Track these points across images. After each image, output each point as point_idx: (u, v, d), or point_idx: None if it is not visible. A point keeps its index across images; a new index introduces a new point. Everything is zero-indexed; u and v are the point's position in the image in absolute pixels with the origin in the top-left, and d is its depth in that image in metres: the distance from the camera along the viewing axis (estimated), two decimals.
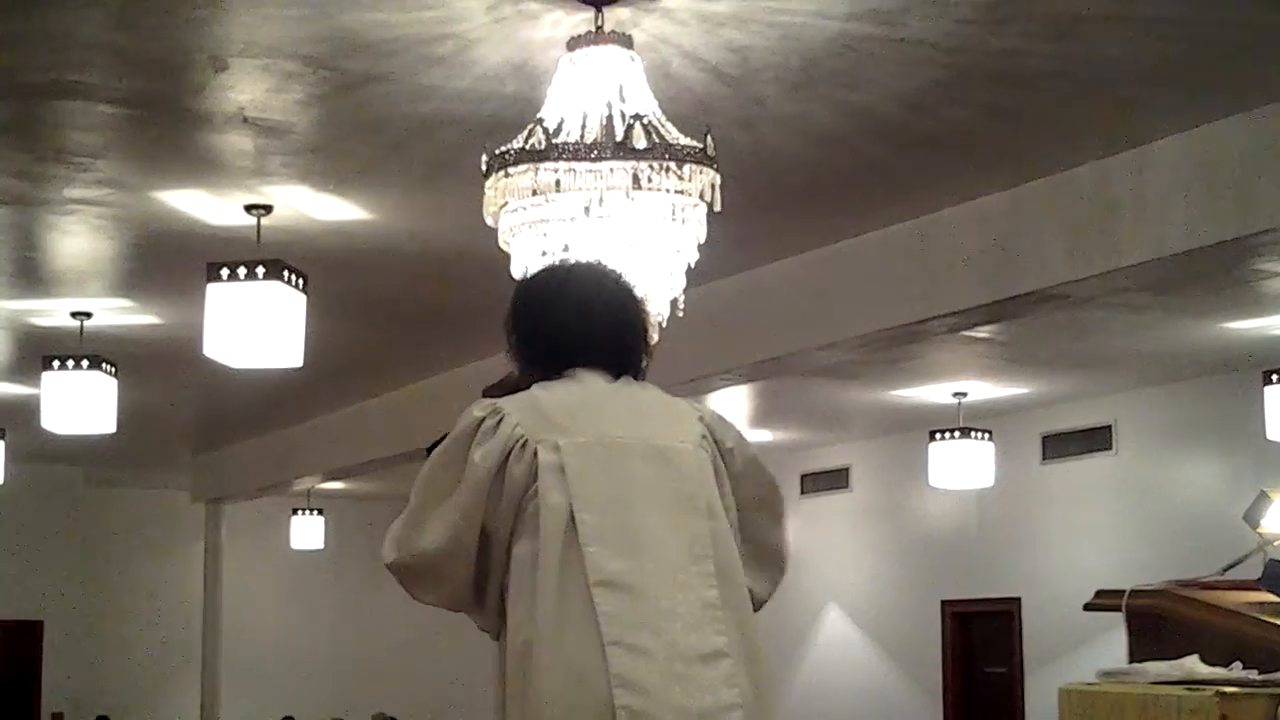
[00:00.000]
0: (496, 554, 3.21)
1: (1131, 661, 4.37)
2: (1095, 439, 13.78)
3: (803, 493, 17.20)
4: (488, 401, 3.28)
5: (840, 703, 16.16)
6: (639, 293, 3.49)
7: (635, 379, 3.39)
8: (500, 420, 3.21)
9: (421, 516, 3.24)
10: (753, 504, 3.43)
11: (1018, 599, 14.58)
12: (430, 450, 3.40)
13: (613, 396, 3.32)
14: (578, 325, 3.35)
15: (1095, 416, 13.70)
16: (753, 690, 3.16)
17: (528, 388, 3.35)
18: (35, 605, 18.16)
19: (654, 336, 3.76)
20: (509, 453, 3.18)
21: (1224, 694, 3.79)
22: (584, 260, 3.63)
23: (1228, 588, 4.49)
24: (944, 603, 15.48)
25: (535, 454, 3.17)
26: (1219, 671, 4.01)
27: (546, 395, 3.28)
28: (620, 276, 3.48)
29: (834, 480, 16.88)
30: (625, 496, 3.18)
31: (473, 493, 3.18)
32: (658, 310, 5.54)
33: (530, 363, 3.38)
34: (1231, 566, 4.61)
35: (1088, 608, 4.71)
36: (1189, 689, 3.89)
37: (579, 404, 3.27)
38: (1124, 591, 4.53)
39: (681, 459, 3.27)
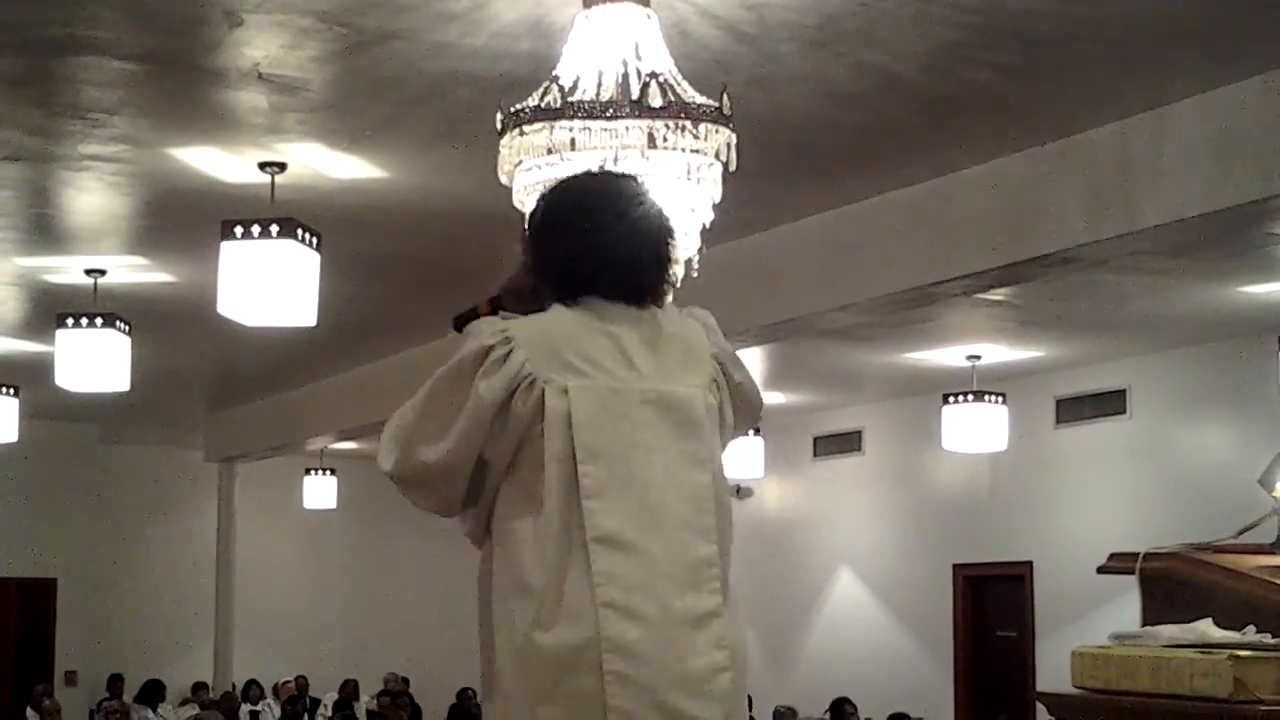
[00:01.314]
0: (492, 478, 3.17)
1: (1144, 625, 4.36)
2: (1109, 403, 13.75)
3: (815, 455, 17.20)
4: (498, 325, 3.18)
5: (851, 665, 16.18)
6: (670, 219, 3.34)
7: (657, 305, 3.26)
8: (509, 352, 3.11)
9: (421, 432, 3.15)
10: (742, 416, 3.41)
11: (1029, 563, 14.58)
12: (457, 324, 3.34)
13: (630, 332, 3.19)
14: (606, 250, 3.20)
15: (1110, 380, 13.67)
16: (740, 642, 3.17)
17: (535, 299, 3.26)
18: (49, 563, 18.22)
19: (679, 270, 3.68)
20: (515, 388, 3.09)
21: (1237, 658, 3.78)
22: (617, 175, 3.44)
23: (1242, 551, 4.47)
24: (955, 566, 15.49)
25: (542, 393, 3.09)
26: (1232, 635, 4.00)
27: (560, 327, 3.17)
28: (653, 201, 3.31)
29: (846, 443, 16.87)
30: (630, 448, 3.12)
31: (474, 423, 3.10)
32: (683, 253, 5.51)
33: (551, 279, 3.24)
34: (1246, 530, 4.60)
35: (1101, 570, 4.70)
36: (1202, 653, 3.88)
37: (593, 341, 3.16)
38: (1138, 554, 4.52)
39: (689, 407, 3.21)
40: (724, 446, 3.33)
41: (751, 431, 14.25)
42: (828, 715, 13.46)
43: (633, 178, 3.42)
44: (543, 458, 3.09)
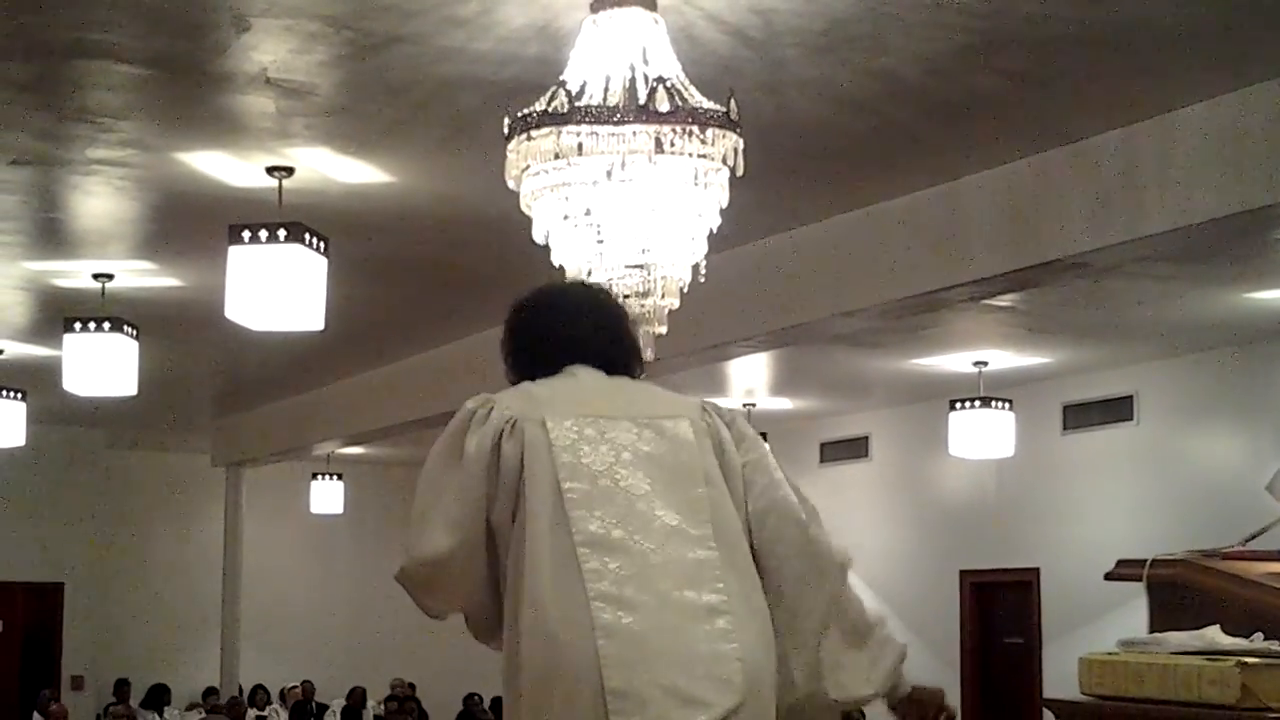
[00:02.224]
0: (502, 550, 3.25)
1: (1152, 632, 4.35)
2: (1116, 409, 13.74)
3: (822, 461, 17.18)
4: (479, 396, 3.34)
5: None
6: (626, 311, 3.62)
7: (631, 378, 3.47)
8: (491, 408, 3.28)
9: (425, 518, 3.27)
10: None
11: (1036, 569, 14.56)
12: None
13: (605, 385, 3.39)
14: (567, 330, 3.44)
15: (1117, 387, 13.66)
16: (757, 649, 3.16)
17: None
18: (56, 568, 18.22)
19: (648, 354, 3.82)
20: (500, 434, 3.24)
21: (1245, 664, 3.77)
22: (572, 282, 3.85)
23: (1250, 558, 4.47)
24: (962, 572, 15.47)
25: (524, 432, 3.24)
26: (1240, 642, 3.99)
27: (538, 385, 3.38)
28: (607, 291, 3.66)
29: (853, 449, 16.86)
30: (615, 465, 3.23)
31: (472, 479, 3.23)
32: (679, 277, 5.52)
33: (525, 369, 3.46)
34: (1254, 537, 4.59)
35: (1109, 578, 4.69)
36: (1210, 659, 3.87)
37: (569, 390, 3.35)
38: (1145, 562, 4.51)
39: (676, 430, 3.32)
40: (734, 476, 3.36)
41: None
42: None
43: (595, 284, 3.83)
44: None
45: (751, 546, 3.31)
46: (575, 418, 3.26)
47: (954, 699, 15.58)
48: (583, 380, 3.38)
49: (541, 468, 3.19)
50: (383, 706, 17.15)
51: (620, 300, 3.70)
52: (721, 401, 3.63)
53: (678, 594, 3.12)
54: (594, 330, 3.46)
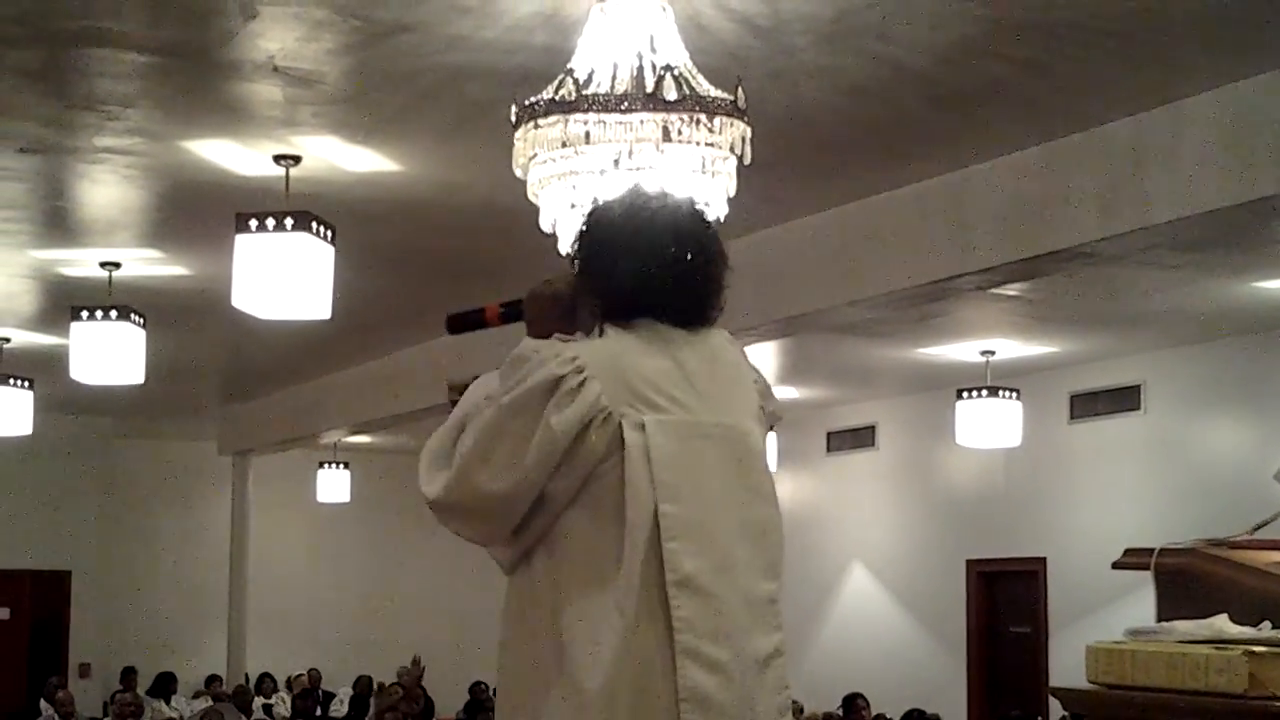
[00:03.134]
0: (547, 513, 2.99)
1: (1160, 621, 4.35)
2: (1124, 398, 13.73)
3: (828, 450, 17.19)
4: (566, 352, 3.01)
5: (863, 661, 16.18)
6: (722, 243, 3.23)
7: (709, 325, 3.17)
8: (583, 382, 2.96)
9: (482, 461, 2.98)
10: None
11: (1043, 559, 14.56)
12: (452, 324, 3.36)
13: (691, 359, 3.09)
14: (663, 272, 3.09)
15: (1124, 376, 13.65)
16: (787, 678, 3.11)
17: (568, 318, 3.16)
18: (63, 556, 18.26)
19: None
20: (590, 421, 2.95)
21: (1253, 653, 3.76)
22: (681, 201, 3.22)
23: (1258, 547, 4.45)
24: (969, 562, 15.48)
25: (618, 427, 2.96)
26: (1248, 631, 3.98)
27: (628, 355, 3.04)
28: (713, 227, 3.22)
29: (860, 438, 16.87)
30: (701, 485, 3.01)
31: (544, 456, 2.94)
32: None
33: (604, 298, 3.11)
34: (1262, 526, 4.58)
35: (1116, 566, 4.68)
36: (1217, 648, 3.86)
37: (662, 371, 3.04)
38: (1153, 550, 4.50)
39: (750, 441, 3.13)
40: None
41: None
42: (840, 711, 13.45)
43: (690, 199, 3.28)
44: (613, 493, 2.96)
45: None
46: (674, 420, 3.00)
47: (960, 688, 15.60)
48: (672, 351, 3.07)
49: (640, 479, 2.94)
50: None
51: (709, 221, 3.22)
52: None
53: (748, 645, 2.98)
54: (689, 274, 3.11)
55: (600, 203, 3.25)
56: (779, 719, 3.02)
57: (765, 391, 3.31)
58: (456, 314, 3.39)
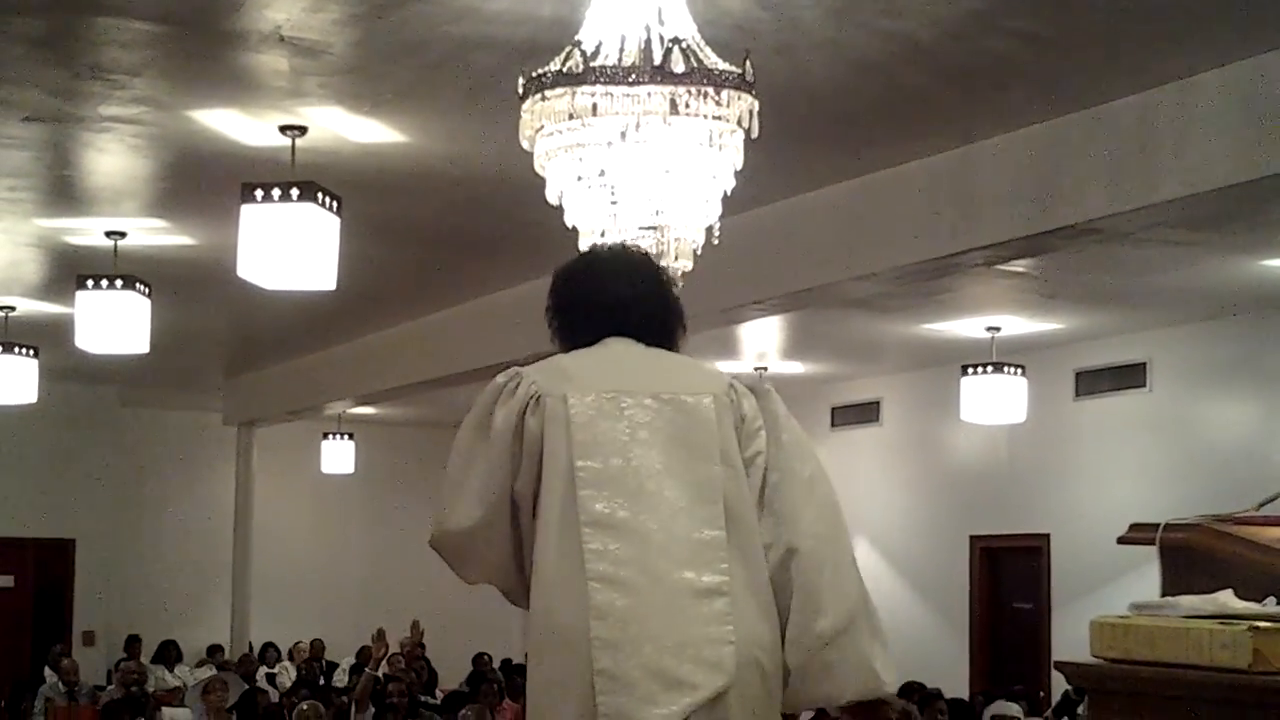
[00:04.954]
0: (526, 521, 3.35)
1: (1164, 596, 4.34)
2: (1129, 375, 13.71)
3: (833, 426, 17.18)
4: (510, 370, 3.43)
5: None
6: (668, 274, 3.65)
7: (672, 350, 3.51)
8: (519, 383, 3.37)
9: (455, 489, 3.37)
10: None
11: (1047, 535, 14.57)
12: None
13: (636, 357, 3.43)
14: (605, 298, 3.48)
15: (1130, 353, 13.63)
16: (755, 631, 3.20)
17: None
18: (67, 524, 18.28)
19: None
20: (525, 408, 3.33)
21: (1258, 629, 3.76)
22: (618, 245, 3.81)
23: (1263, 523, 4.45)
24: (973, 538, 15.48)
25: (545, 406, 3.32)
26: (1253, 606, 3.97)
27: (569, 358, 3.45)
28: (650, 257, 3.67)
29: (864, 414, 16.86)
30: (628, 442, 3.29)
31: (498, 453, 3.33)
32: (693, 239, 5.51)
33: (566, 337, 3.52)
34: (1268, 502, 4.57)
35: (1121, 541, 4.67)
36: (1222, 623, 3.86)
37: (598, 363, 3.40)
38: (1159, 525, 4.50)
39: (696, 409, 3.35)
40: (755, 463, 3.38)
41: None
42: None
43: (626, 244, 3.87)
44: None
45: (770, 528, 3.35)
46: (597, 393, 3.33)
47: (962, 663, 15.56)
48: (614, 353, 3.43)
49: (558, 443, 3.28)
50: (389, 665, 17.16)
51: (662, 265, 3.71)
52: (733, 366, 3.65)
53: (677, 575, 3.18)
54: (633, 298, 3.48)
55: (562, 266, 3.64)
56: (712, 646, 3.14)
57: (741, 385, 3.46)
58: None
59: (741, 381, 3.48)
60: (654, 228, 5.44)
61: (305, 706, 10.10)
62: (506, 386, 3.37)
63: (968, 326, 13.01)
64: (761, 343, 13.80)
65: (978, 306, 12.31)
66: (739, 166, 5.41)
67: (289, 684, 16.32)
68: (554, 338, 3.56)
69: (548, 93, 5.20)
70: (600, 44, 5.23)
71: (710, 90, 5.16)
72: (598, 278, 3.53)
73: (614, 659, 3.10)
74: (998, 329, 13.02)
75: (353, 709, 11.37)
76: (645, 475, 3.26)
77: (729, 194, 5.50)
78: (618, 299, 3.47)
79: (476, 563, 3.43)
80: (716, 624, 3.16)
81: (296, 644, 18.53)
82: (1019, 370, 13.07)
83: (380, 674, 12.29)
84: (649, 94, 5.12)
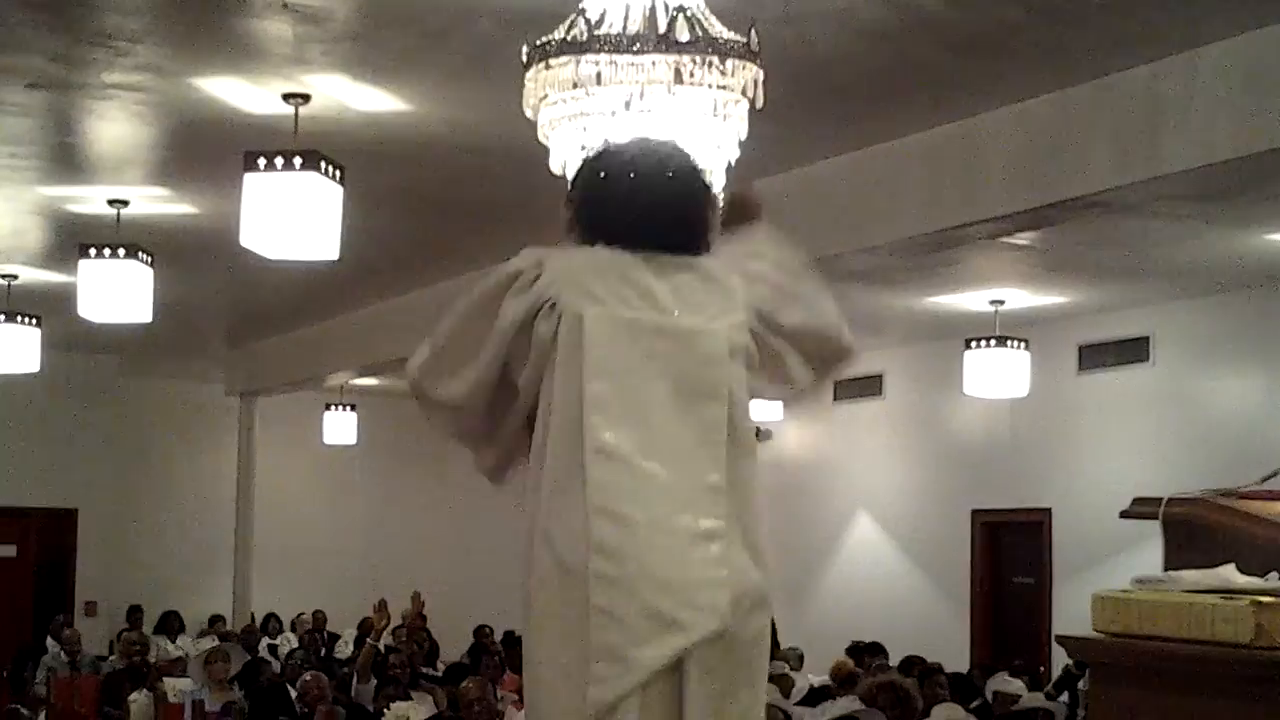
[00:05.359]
0: (518, 407, 3.32)
1: (1167, 570, 4.34)
2: (1132, 350, 13.70)
3: (835, 399, 17.14)
4: (533, 253, 3.33)
5: (867, 610, 16.20)
6: (705, 174, 3.49)
7: (700, 253, 3.39)
8: (536, 277, 3.27)
9: (447, 361, 3.33)
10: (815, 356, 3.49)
11: (1048, 510, 14.57)
12: None
13: (658, 274, 3.31)
14: (635, 200, 3.33)
15: (1133, 327, 13.61)
16: (750, 573, 3.22)
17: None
18: (70, 494, 18.28)
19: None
20: (538, 310, 3.25)
21: (1259, 603, 3.75)
22: (664, 143, 3.55)
23: (1266, 498, 4.44)
24: (974, 512, 15.48)
25: (560, 317, 3.23)
26: (1255, 581, 3.97)
27: (591, 261, 3.31)
28: (696, 166, 3.47)
29: (867, 387, 16.83)
30: (639, 373, 3.23)
31: (496, 346, 3.27)
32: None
33: (588, 231, 3.37)
34: (1271, 476, 4.56)
35: (1124, 515, 4.66)
36: (1224, 598, 3.85)
37: (620, 278, 3.29)
38: (1161, 500, 4.49)
39: (709, 342, 3.29)
40: (779, 393, 3.47)
41: None
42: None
43: (671, 143, 3.56)
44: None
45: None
46: (615, 313, 3.24)
47: (963, 637, 15.54)
48: (639, 267, 3.30)
49: (570, 361, 3.21)
50: (391, 635, 17.18)
51: (700, 169, 3.48)
52: None
53: (675, 517, 3.16)
54: (668, 206, 3.36)
55: (592, 151, 3.56)
56: (707, 589, 3.14)
57: (782, 303, 3.45)
58: None
59: (757, 297, 3.42)
60: None
61: (309, 677, 10.09)
62: (522, 277, 3.28)
63: (971, 300, 12.99)
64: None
65: (982, 279, 12.28)
66: (743, 137, 5.38)
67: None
68: (571, 227, 3.42)
69: (551, 61, 5.17)
70: (604, 12, 5.20)
71: (715, 59, 5.13)
72: (627, 175, 3.37)
73: (610, 596, 3.09)
74: (1001, 302, 13.00)
75: (354, 680, 11.37)
76: (653, 408, 3.21)
77: (733, 164, 5.47)
78: (646, 205, 3.33)
79: (450, 423, 3.41)
80: (712, 568, 3.15)
81: (299, 615, 18.54)
82: (1022, 344, 13.05)
83: (382, 645, 12.28)
84: (653, 63, 5.10)
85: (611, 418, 3.18)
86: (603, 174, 3.40)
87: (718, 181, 5.49)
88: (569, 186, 3.50)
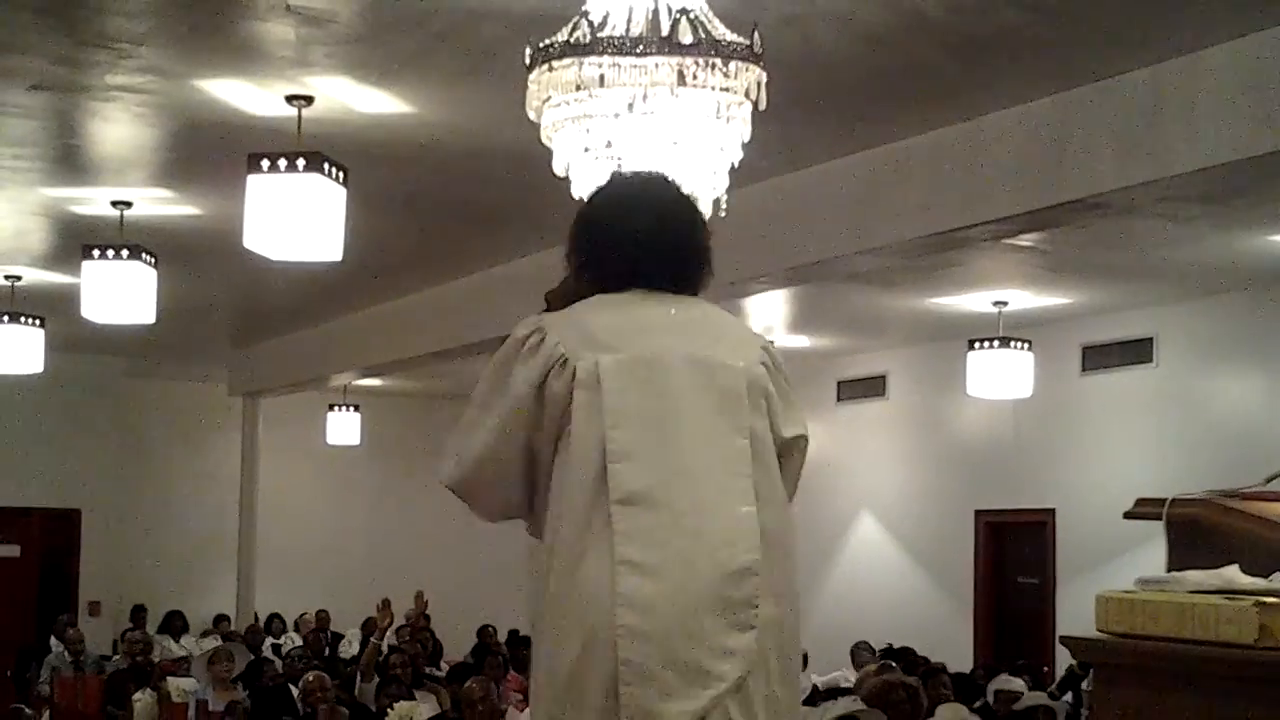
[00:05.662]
0: (542, 472, 3.24)
1: (1170, 571, 4.33)
2: (1136, 351, 13.70)
3: (839, 399, 17.17)
4: (532, 319, 3.30)
5: (870, 610, 16.20)
6: (701, 211, 3.50)
7: (696, 294, 3.38)
8: (543, 339, 3.23)
9: (468, 432, 3.28)
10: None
11: (1052, 510, 14.57)
12: (548, 300, 3.49)
13: (666, 315, 3.30)
14: (636, 239, 3.32)
15: (1136, 328, 13.62)
16: (779, 609, 3.18)
17: (583, 295, 3.36)
18: (74, 494, 18.31)
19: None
20: (549, 370, 3.20)
21: (1263, 604, 3.75)
22: (652, 175, 3.55)
23: (1270, 499, 4.43)
24: (978, 513, 15.49)
25: (574, 371, 3.19)
26: (1259, 582, 3.97)
27: (594, 314, 3.29)
28: (688, 196, 3.47)
29: (870, 388, 16.85)
30: (662, 412, 3.19)
31: (512, 409, 3.22)
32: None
33: (591, 277, 3.36)
34: (1275, 477, 4.56)
35: (1128, 516, 4.66)
36: (1228, 598, 3.85)
37: (627, 321, 3.27)
38: (1165, 500, 4.49)
39: (728, 375, 3.26)
40: (780, 430, 3.34)
41: None
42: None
43: (664, 175, 3.54)
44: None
45: None
46: (630, 358, 3.20)
47: (967, 638, 15.50)
48: (643, 309, 3.29)
49: (589, 411, 3.17)
50: (395, 635, 17.19)
51: (695, 201, 3.49)
52: None
53: (707, 558, 3.10)
54: (666, 240, 3.34)
55: (590, 194, 3.53)
56: (743, 635, 3.10)
57: (771, 357, 3.39)
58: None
59: (769, 346, 3.40)
60: None
61: (312, 677, 10.09)
62: (528, 342, 3.24)
63: (975, 301, 13.00)
64: (768, 316, 13.79)
65: (985, 281, 12.29)
66: (746, 139, 5.39)
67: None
68: (572, 272, 3.41)
69: (555, 63, 5.18)
70: (607, 14, 5.21)
71: (718, 62, 5.14)
72: (629, 215, 3.35)
73: (638, 650, 3.02)
74: (1005, 303, 13.01)
75: (358, 679, 11.37)
76: (680, 448, 3.16)
77: (736, 166, 5.48)
78: (648, 242, 3.31)
79: (487, 497, 3.36)
80: (744, 609, 3.09)
81: (302, 615, 18.55)
82: (1026, 345, 13.06)
83: (385, 645, 12.28)
84: (656, 65, 5.10)
85: (635, 466, 3.13)
86: (596, 209, 3.42)
87: (721, 183, 5.50)
88: (569, 243, 3.43)
